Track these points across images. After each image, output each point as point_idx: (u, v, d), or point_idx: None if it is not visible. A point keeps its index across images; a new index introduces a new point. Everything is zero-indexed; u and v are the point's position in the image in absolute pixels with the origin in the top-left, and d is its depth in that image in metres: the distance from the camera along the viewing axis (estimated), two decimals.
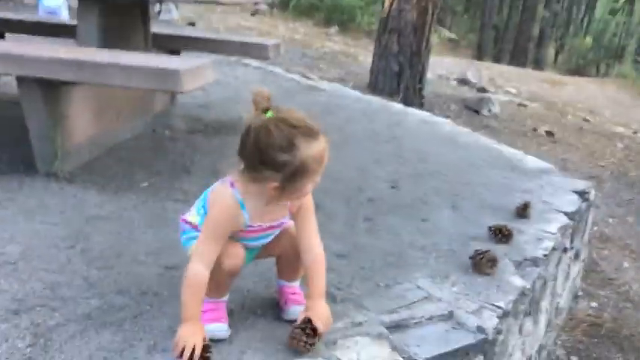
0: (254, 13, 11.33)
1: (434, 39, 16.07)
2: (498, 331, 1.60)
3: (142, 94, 2.98)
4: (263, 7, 11.36)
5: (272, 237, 1.44)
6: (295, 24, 11.53)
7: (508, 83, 9.77)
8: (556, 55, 29.76)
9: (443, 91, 6.59)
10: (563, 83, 11.28)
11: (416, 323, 1.54)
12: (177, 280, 1.42)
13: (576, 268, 2.78)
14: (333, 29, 11.92)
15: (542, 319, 2.16)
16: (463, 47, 20.40)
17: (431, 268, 1.85)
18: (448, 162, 3.12)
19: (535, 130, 5.66)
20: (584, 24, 35.43)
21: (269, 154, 1.25)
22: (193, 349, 1.22)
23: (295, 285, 1.53)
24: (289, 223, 1.46)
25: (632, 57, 18.81)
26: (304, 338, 1.30)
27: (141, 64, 2.09)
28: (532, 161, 3.31)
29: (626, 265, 3.31)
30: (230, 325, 1.39)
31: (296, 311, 1.42)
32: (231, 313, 1.44)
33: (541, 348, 2.27)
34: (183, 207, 2.14)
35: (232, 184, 1.34)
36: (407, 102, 5.14)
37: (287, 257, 1.49)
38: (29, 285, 1.54)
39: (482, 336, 1.53)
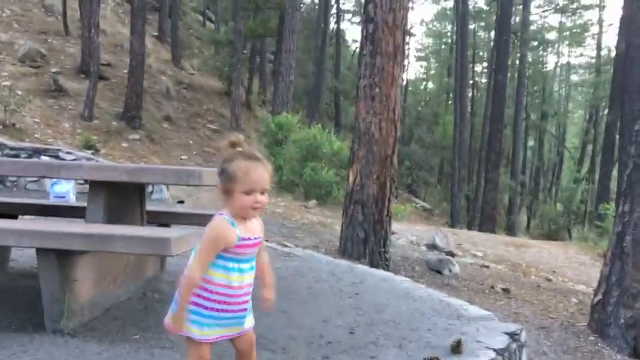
0: None
1: (408, 208, 17.01)
2: None
3: (136, 262, 3.50)
4: None
5: (254, 261, 1.91)
6: (277, 199, 12.43)
7: (475, 247, 10.45)
8: (529, 221, 31.22)
9: (410, 255, 7.18)
10: (528, 246, 12.01)
11: None
12: None
13: None
14: (312, 203, 12.83)
15: None
16: (437, 216, 21.62)
17: None
18: (401, 312, 3.58)
19: (492, 287, 6.17)
20: (553, 192, 37.63)
21: (219, 166, 1.84)
22: None
23: None
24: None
25: (592, 222, 19.91)
26: None
27: (139, 234, 2.66)
28: (475, 310, 3.78)
29: None
30: None
31: None
32: None
33: None
34: (169, 353, 2.59)
35: (220, 214, 1.85)
36: (373, 264, 5.72)
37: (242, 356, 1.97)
38: None
39: None
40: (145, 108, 17.59)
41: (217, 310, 1.85)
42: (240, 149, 1.84)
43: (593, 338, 4.92)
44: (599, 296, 5.11)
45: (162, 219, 3.94)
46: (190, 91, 21.06)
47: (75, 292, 2.84)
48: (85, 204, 3.39)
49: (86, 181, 3.36)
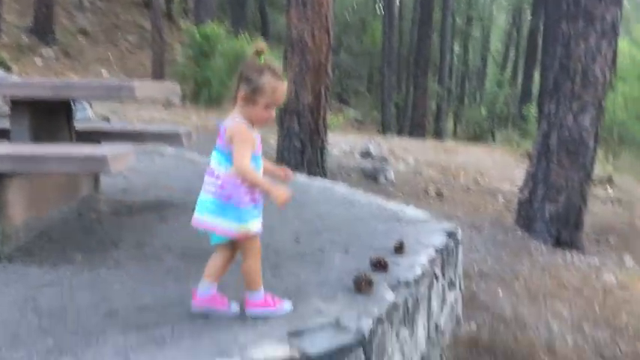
0: (166, 106, 11.89)
1: (340, 119, 17.10)
2: (374, 332, 2.08)
3: (68, 182, 3.36)
4: (175, 99, 11.94)
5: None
6: (207, 114, 12.15)
7: (407, 154, 10.71)
8: (455, 126, 32.18)
9: (346, 164, 7.28)
10: (457, 150, 12.44)
11: (309, 331, 1.99)
12: (118, 322, 1.83)
13: (453, 295, 3.33)
14: None
15: (420, 332, 2.66)
16: (368, 125, 21.88)
17: (322, 294, 2.33)
18: (343, 219, 3.66)
19: (426, 191, 6.40)
20: (477, 97, 38.69)
21: (245, 73, 1.95)
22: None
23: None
24: None
25: (515, 124, 20.81)
26: None
27: (73, 152, 2.53)
28: (412, 212, 3.92)
29: (500, 293, 3.92)
30: None
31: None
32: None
33: (424, 359, 2.76)
34: (116, 272, 2.55)
35: (235, 118, 1.98)
36: (311, 174, 5.76)
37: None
38: None
39: (361, 335, 2.00)
40: (58, 21, 16.38)
41: (257, 202, 2.03)
42: (268, 63, 1.96)
43: (520, 233, 5.25)
44: (526, 194, 5.40)
45: (93, 138, 3.77)
46: (105, 1, 19.70)
47: (7, 215, 2.72)
48: (4, 125, 3.18)
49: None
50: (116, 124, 7.25)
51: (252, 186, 1.97)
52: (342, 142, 9.85)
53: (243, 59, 2.04)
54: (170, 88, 3.35)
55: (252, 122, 1.99)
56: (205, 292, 2.08)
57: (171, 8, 21.78)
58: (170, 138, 3.69)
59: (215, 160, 2.01)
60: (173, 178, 4.71)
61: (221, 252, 2.11)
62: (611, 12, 4.93)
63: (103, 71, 15.94)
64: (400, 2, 33.59)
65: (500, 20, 45.90)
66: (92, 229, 3.25)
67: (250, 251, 2.07)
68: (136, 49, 18.01)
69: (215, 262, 2.11)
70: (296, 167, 6.01)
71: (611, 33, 4.97)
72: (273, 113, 2.01)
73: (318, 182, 4.97)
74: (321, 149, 6.21)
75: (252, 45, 2.02)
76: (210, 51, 14.69)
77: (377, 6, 36.49)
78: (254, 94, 1.93)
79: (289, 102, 6.12)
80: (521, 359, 3.15)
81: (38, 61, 14.72)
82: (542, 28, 17.58)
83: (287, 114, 6.18)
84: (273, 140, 9.56)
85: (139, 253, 2.84)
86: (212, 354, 1.79)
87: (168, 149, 5.98)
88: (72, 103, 3.53)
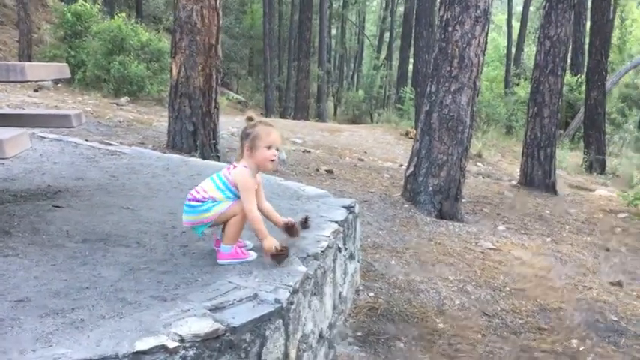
0: (37, 89, 11.11)
1: (224, 101, 16.88)
2: (290, 302, 2.19)
3: None
4: (47, 82, 11.19)
5: None
6: (83, 97, 11.52)
7: (294, 135, 10.89)
8: (335, 108, 32.96)
9: (236, 146, 7.27)
10: (341, 131, 12.82)
11: (230, 304, 2.05)
12: (32, 309, 1.77)
13: (353, 266, 3.52)
14: (124, 99, 12.14)
15: (328, 301, 2.81)
16: (251, 107, 21.79)
17: (238, 269, 2.39)
18: None
19: (317, 170, 6.59)
20: (355, 79, 39.84)
21: (244, 132, 2.50)
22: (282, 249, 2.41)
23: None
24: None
25: (393, 105, 21.76)
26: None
27: None
28: (312, 190, 4.06)
29: (393, 262, 4.18)
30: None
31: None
32: None
33: (331, 326, 2.91)
34: (17, 260, 2.44)
35: (244, 166, 2.47)
36: (204, 157, 5.72)
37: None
38: None
39: (279, 305, 2.10)
40: None
41: None
42: (258, 120, 2.53)
43: (407, 206, 5.59)
44: (411, 169, 5.74)
45: None
46: None
47: None
48: None
49: None
50: (4, 108, 6.70)
51: (254, 230, 2.46)
52: (229, 125, 9.79)
53: None
54: (60, 69, 3.19)
55: (260, 165, 2.50)
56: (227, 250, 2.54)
57: None
58: (60, 120, 3.52)
59: (214, 187, 2.53)
60: (59, 163, 4.49)
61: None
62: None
63: None
64: None
65: (375, 4, 47.43)
66: None
67: (239, 220, 2.50)
68: (1, 28, 16.55)
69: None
70: (189, 150, 5.93)
71: (484, 19, 5.40)
72: (277, 153, 2.52)
73: (213, 164, 4.97)
74: (213, 131, 6.16)
75: (246, 115, 2.57)
76: (83, 31, 13.88)
77: None
78: (253, 141, 2.45)
79: (179, 84, 6.01)
80: (415, 321, 3.41)
81: None
82: (415, 12, 18.45)
83: (178, 97, 6.05)
84: (156, 123, 9.32)
85: (37, 239, 2.72)
86: (138, 332, 1.80)
87: (49, 134, 5.67)
88: None
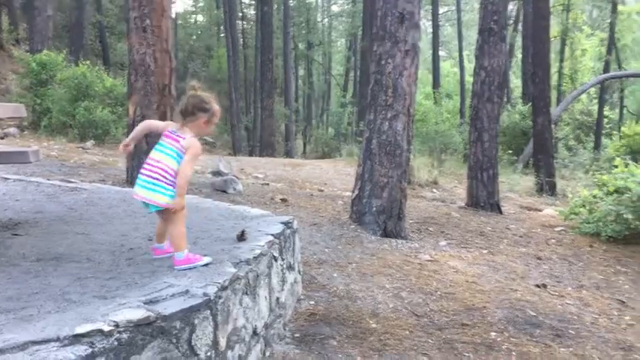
0: (3, 137, 11.34)
1: None
2: (219, 297, 2.52)
3: None
4: (13, 129, 11.43)
5: None
6: (49, 142, 11.77)
7: (256, 170, 11.26)
8: (304, 146, 33.56)
9: (197, 181, 7.61)
10: (303, 165, 13.23)
11: (163, 299, 2.38)
12: None
13: (293, 277, 3.86)
14: (89, 143, 12.41)
15: (262, 302, 3.13)
16: (220, 148, 22.16)
17: (174, 274, 2.72)
18: (193, 220, 4.03)
19: (272, 199, 6.95)
20: (324, 117, 40.63)
21: (200, 105, 2.76)
22: None
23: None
24: None
25: (354, 138, 22.41)
26: None
27: None
28: (256, 211, 4.42)
29: (335, 275, 4.53)
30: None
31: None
32: None
33: (267, 326, 3.23)
34: None
35: (193, 136, 2.74)
36: None
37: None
38: None
39: (207, 297, 2.43)
40: None
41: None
42: (209, 94, 2.81)
43: (353, 226, 5.96)
44: (356, 192, 6.15)
45: None
46: None
47: None
48: None
49: None
50: None
51: (179, 188, 2.71)
52: None
53: (191, 95, 2.78)
54: (16, 108, 3.54)
55: (202, 135, 2.83)
56: (160, 247, 3.04)
57: (1, 37, 20.52)
58: (18, 157, 3.84)
59: (165, 155, 2.72)
60: (21, 200, 4.77)
61: (159, 218, 2.97)
62: (411, 35, 5.88)
63: None
64: (242, 30, 34.48)
65: (340, 44, 48.73)
66: None
67: (177, 219, 2.80)
68: None
69: (158, 225, 3.02)
70: None
71: (413, 52, 5.91)
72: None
73: None
74: None
75: (189, 85, 2.81)
76: (48, 79, 14.21)
77: (220, 33, 37.03)
78: (212, 116, 2.80)
79: (136, 123, 6.35)
80: (351, 324, 3.74)
81: None
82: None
83: None
84: (121, 164, 9.60)
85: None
86: (78, 321, 2.11)
87: (12, 175, 5.94)
88: None
